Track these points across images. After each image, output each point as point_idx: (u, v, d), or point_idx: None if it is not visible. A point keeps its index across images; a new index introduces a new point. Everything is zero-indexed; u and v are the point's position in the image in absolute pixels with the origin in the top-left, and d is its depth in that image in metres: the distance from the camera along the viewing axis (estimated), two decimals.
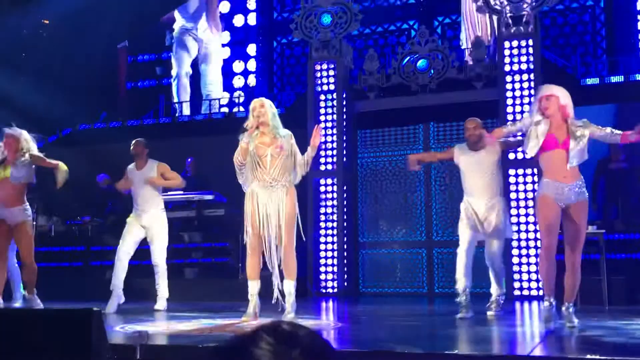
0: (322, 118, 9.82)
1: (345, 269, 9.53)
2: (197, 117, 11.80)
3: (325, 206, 9.59)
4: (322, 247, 9.51)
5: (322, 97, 9.89)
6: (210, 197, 9.84)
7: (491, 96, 9.05)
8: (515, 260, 8.39)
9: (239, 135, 5.52)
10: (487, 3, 9.10)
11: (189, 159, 10.39)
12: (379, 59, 10.24)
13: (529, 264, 8.30)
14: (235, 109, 11.93)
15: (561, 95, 5.03)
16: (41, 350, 3.14)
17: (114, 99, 13.27)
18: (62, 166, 6.68)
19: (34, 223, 6.79)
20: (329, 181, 9.65)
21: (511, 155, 8.44)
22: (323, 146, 9.74)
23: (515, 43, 8.89)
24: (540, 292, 7.33)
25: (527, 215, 8.35)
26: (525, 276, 8.35)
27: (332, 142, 9.75)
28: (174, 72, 12.55)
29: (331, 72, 9.90)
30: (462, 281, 5.90)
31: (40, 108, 12.29)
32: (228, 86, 12.79)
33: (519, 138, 5.98)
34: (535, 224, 7.88)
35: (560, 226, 5.13)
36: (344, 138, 9.82)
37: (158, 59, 13.45)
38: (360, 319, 6.44)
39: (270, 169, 5.49)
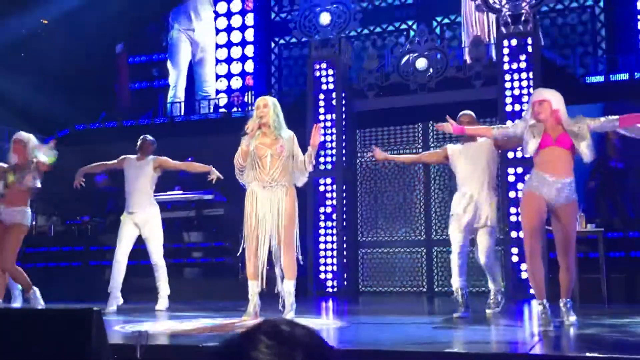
0: (322, 117, 9.82)
1: (345, 269, 9.53)
2: (193, 117, 11.77)
3: (325, 205, 9.59)
4: (322, 246, 9.51)
5: (322, 96, 9.89)
6: (209, 196, 9.84)
7: (490, 95, 9.05)
8: (514, 259, 8.39)
9: (241, 137, 5.50)
10: (486, 2, 9.09)
11: (189, 159, 10.39)
12: (378, 57, 10.24)
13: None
14: (233, 109, 11.91)
15: (553, 99, 4.98)
16: (40, 350, 3.14)
17: (112, 99, 13.27)
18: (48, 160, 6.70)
19: (33, 224, 6.79)
20: (329, 180, 9.65)
21: (510, 154, 8.44)
22: (322, 145, 9.74)
23: (514, 42, 8.89)
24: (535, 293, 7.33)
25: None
26: (523, 275, 8.34)
27: (332, 141, 9.76)
28: (171, 80, 12.51)
29: (330, 71, 9.90)
30: (457, 281, 5.96)
31: (38, 108, 12.29)
32: (226, 87, 12.78)
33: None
34: None
35: (548, 224, 5.11)
36: (343, 137, 9.82)
37: (155, 60, 13.42)
38: (360, 318, 6.44)
39: (270, 169, 5.48)
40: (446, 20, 11.97)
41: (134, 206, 7.20)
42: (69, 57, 12.78)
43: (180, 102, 12.32)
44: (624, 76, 9.53)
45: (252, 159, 5.51)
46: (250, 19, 12.93)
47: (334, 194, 9.62)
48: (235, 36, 12.86)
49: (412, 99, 9.74)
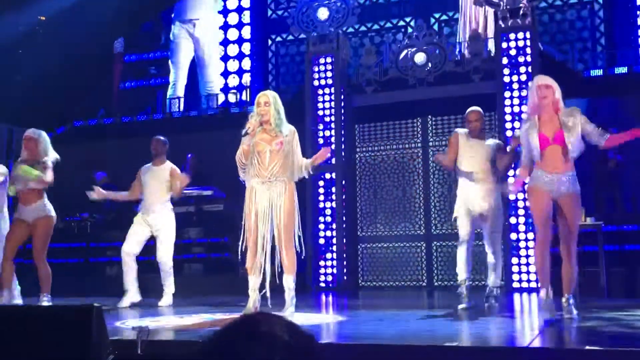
0: (320, 112, 9.82)
1: (345, 263, 9.54)
2: (191, 113, 11.75)
3: (324, 201, 9.60)
4: (321, 241, 9.52)
5: (320, 91, 9.89)
6: (209, 192, 9.85)
7: (489, 89, 9.04)
8: (514, 252, 8.41)
9: (242, 136, 5.48)
10: None
11: (189, 156, 10.38)
12: (376, 53, 10.23)
13: (527, 256, 8.31)
14: (231, 108, 11.89)
15: (555, 87, 5.10)
16: (42, 347, 3.14)
17: (110, 96, 13.25)
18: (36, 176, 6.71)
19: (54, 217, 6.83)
20: (328, 176, 9.66)
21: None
22: (321, 141, 9.75)
23: (512, 36, 8.89)
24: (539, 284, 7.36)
25: (525, 208, 8.35)
26: (524, 268, 8.37)
27: (330, 136, 9.75)
28: (171, 77, 12.48)
29: (329, 67, 9.89)
30: (462, 273, 6.02)
31: (36, 105, 12.27)
32: (223, 85, 12.74)
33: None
34: None
35: (554, 218, 5.18)
36: (342, 133, 9.82)
37: (151, 58, 13.38)
38: (359, 313, 6.45)
39: (269, 165, 5.48)
40: (444, 17, 11.94)
41: (148, 210, 7.27)
42: (66, 53, 12.76)
43: (178, 99, 12.30)
44: (624, 69, 9.52)
45: (252, 154, 5.51)
46: (247, 16, 12.88)
47: (333, 189, 9.62)
48: (232, 34, 12.81)
49: (411, 93, 9.73)
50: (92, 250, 10.07)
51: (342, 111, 9.87)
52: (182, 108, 12.11)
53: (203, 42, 12.53)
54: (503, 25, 8.97)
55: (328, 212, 9.58)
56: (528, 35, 8.85)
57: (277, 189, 5.48)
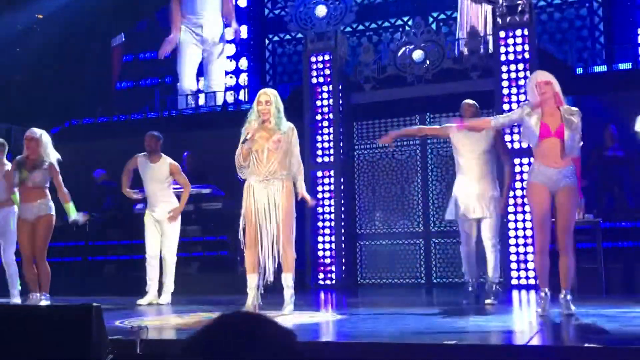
0: (318, 110, 9.81)
1: (344, 261, 9.55)
2: (187, 111, 11.72)
3: (323, 198, 9.60)
4: (320, 239, 9.52)
5: (318, 89, 9.88)
6: (207, 190, 9.84)
7: (487, 86, 9.05)
8: (512, 249, 8.41)
9: (241, 143, 5.47)
10: None
11: (185, 154, 10.38)
12: (374, 51, 10.22)
13: (526, 253, 8.32)
14: (229, 107, 11.88)
15: (554, 82, 5.14)
16: (41, 346, 3.15)
17: (108, 94, 13.24)
18: (68, 206, 6.87)
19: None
20: (326, 173, 9.66)
21: (516, 145, 8.43)
22: (320, 138, 9.75)
23: (510, 33, 8.89)
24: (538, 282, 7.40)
25: (523, 205, 8.35)
26: (522, 265, 8.37)
27: (329, 134, 9.75)
28: (181, 74, 12.41)
29: (327, 64, 9.88)
30: (469, 272, 6.25)
31: (33, 103, 12.26)
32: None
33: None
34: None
35: (552, 214, 5.19)
36: (340, 130, 9.82)
37: (148, 58, 13.35)
38: (358, 311, 6.46)
39: (267, 163, 5.47)
40: (442, 16, 11.92)
41: (153, 206, 7.37)
42: (64, 51, 12.75)
43: (177, 97, 12.29)
44: (626, 65, 9.50)
45: (250, 152, 5.51)
46: (243, 16, 12.85)
47: (332, 187, 9.62)
48: (229, 33, 12.77)
49: (409, 90, 9.73)
50: (90, 249, 10.06)
51: (340, 109, 9.87)
52: (178, 106, 12.08)
53: (205, 40, 12.48)
54: (501, 23, 8.97)
55: (327, 209, 9.57)
56: (526, 32, 8.85)
57: (275, 187, 5.48)
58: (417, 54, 9.68)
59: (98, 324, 3.15)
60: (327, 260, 9.47)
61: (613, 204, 8.84)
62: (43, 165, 6.74)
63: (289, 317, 5.24)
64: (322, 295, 8.46)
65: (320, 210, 9.56)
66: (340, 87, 9.89)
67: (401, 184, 10.04)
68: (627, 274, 7.82)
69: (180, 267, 7.73)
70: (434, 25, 11.65)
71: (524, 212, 8.36)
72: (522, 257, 8.37)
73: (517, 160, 8.42)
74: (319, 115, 9.79)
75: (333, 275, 9.42)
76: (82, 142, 11.16)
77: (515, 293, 7.85)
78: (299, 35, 10.57)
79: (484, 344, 3.84)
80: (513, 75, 8.82)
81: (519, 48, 8.85)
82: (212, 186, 9.86)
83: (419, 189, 9.93)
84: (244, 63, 12.75)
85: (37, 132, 6.83)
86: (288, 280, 5.51)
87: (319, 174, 9.66)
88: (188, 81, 12.30)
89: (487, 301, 6.14)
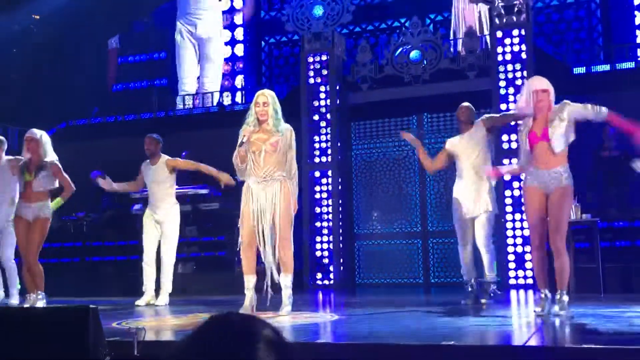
0: (316, 110, 9.81)
1: (341, 261, 9.54)
2: (183, 112, 11.70)
3: (320, 199, 9.59)
4: (318, 239, 9.52)
5: (315, 89, 9.87)
6: (204, 191, 9.82)
7: (484, 86, 9.06)
8: (510, 249, 8.42)
9: (238, 146, 5.46)
10: None
11: (184, 153, 10.36)
12: (371, 51, 10.21)
13: (524, 252, 8.32)
14: (227, 107, 11.86)
15: (550, 90, 5.13)
16: (39, 347, 3.14)
17: (105, 95, 13.21)
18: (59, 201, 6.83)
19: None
20: (324, 174, 9.65)
21: (505, 145, 8.47)
22: (317, 138, 9.74)
23: (508, 33, 8.89)
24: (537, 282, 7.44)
25: (520, 204, 8.35)
26: (520, 265, 8.37)
27: (326, 134, 9.75)
28: (184, 84, 12.40)
29: (324, 64, 9.87)
30: (467, 273, 6.25)
31: (30, 104, 12.23)
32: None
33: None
34: None
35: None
36: (338, 130, 9.82)
37: (145, 59, 13.31)
38: (356, 311, 6.45)
39: (265, 165, 5.47)
40: (439, 18, 11.91)
41: (154, 207, 7.39)
42: (60, 52, 12.73)
43: (174, 98, 12.27)
44: (625, 65, 9.50)
45: (248, 154, 5.50)
46: (239, 17, 12.81)
47: (330, 187, 9.62)
48: (225, 35, 12.74)
49: (406, 90, 9.74)
50: (88, 249, 10.04)
51: (338, 109, 9.86)
52: (176, 107, 12.07)
53: (202, 41, 12.46)
54: (498, 23, 8.97)
55: (324, 209, 9.57)
56: (523, 32, 8.85)
57: (273, 188, 5.47)
58: (414, 54, 9.67)
59: (95, 325, 3.15)
60: (325, 261, 9.47)
61: (609, 204, 8.84)
62: (46, 166, 6.71)
63: (286, 317, 5.23)
64: (320, 295, 8.45)
65: (318, 210, 9.56)
66: (337, 87, 9.89)
67: (399, 183, 10.04)
68: (624, 273, 7.82)
69: (177, 267, 7.75)
70: (431, 27, 11.64)
71: (521, 212, 8.37)
72: (520, 257, 8.37)
73: (506, 161, 8.43)
74: (317, 115, 9.78)
75: (331, 275, 9.42)
76: (78, 143, 11.14)
77: (513, 293, 7.85)
78: (296, 37, 10.55)
79: (482, 344, 3.84)
80: (510, 75, 8.83)
81: (516, 48, 8.86)
82: (209, 187, 9.85)
83: (416, 189, 9.93)
84: (239, 65, 12.72)
85: (37, 132, 6.80)
86: (286, 281, 5.51)
87: (317, 174, 9.66)
88: (188, 81, 12.30)
89: (482, 300, 6.16)
